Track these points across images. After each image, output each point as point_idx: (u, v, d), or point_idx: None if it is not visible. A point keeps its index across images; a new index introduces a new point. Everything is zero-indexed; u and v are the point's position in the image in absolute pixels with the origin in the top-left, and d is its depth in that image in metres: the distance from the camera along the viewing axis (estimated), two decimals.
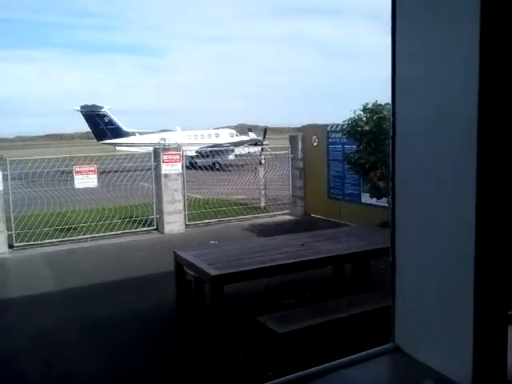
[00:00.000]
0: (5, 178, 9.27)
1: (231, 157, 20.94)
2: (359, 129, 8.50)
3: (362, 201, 10.32)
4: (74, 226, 10.46)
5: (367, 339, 4.36)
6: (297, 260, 5.40)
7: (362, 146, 8.72)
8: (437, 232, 1.04)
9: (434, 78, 1.02)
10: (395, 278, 1.17)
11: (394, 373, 1.14)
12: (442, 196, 1.02)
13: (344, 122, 9.36)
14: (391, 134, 1.13)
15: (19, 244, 9.50)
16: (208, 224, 11.42)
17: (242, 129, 38.13)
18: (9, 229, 9.39)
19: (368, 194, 9.37)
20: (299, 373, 1.06)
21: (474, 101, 0.93)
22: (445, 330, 1.02)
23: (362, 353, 1.15)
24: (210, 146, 23.53)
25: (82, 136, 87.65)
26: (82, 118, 30.29)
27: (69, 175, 10.51)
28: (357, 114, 8.67)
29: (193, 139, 29.01)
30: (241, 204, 12.91)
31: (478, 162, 0.94)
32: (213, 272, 4.96)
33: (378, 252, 5.95)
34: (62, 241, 9.87)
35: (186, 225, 10.96)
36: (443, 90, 1.00)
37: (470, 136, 0.94)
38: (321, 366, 1.08)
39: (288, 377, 1.06)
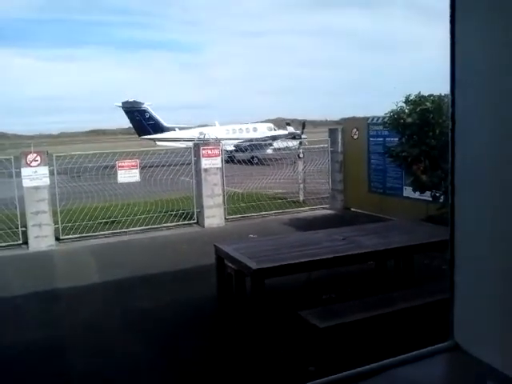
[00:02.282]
0: (51, 173, 9.58)
1: (269, 151, 20.88)
2: (401, 121, 8.30)
3: (404, 194, 10.10)
4: (117, 220, 10.71)
5: (412, 336, 4.28)
6: (338, 255, 5.34)
7: (404, 139, 8.51)
8: (502, 227, 0.99)
9: (496, 65, 0.97)
10: (454, 273, 1.12)
11: (454, 373, 1.09)
12: (504, 188, 0.97)
13: (385, 114, 9.16)
14: (450, 126, 1.08)
15: (65, 237, 9.82)
16: (247, 218, 11.45)
17: (280, 123, 38.04)
18: (55, 222, 9.71)
19: (410, 188, 9.15)
20: (351, 371, 1.03)
21: None
22: (511, 329, 0.97)
23: (418, 351, 1.11)
24: (248, 141, 23.58)
25: (123, 132, 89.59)
26: (124, 114, 30.97)
27: (112, 170, 10.76)
28: (399, 105, 8.47)
29: (231, 133, 29.17)
30: (279, 198, 12.89)
31: None
32: (254, 266, 4.97)
33: (422, 247, 5.83)
34: (106, 234, 10.13)
35: (225, 219, 11.04)
36: (507, 78, 0.95)
37: None
38: (374, 364, 1.05)
39: (341, 374, 1.03)
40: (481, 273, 1.04)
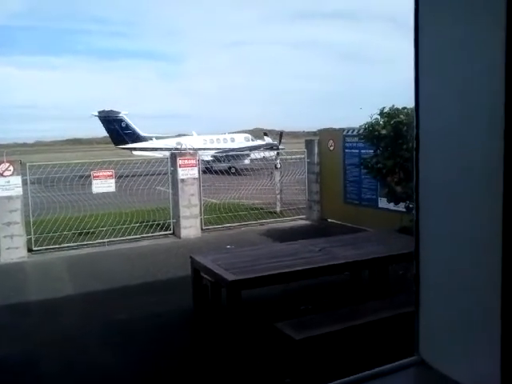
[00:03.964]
0: (24, 183, 9.40)
1: (247, 161, 20.92)
2: (376, 133, 8.44)
3: (379, 205, 10.24)
4: (92, 231, 10.55)
5: (386, 347, 4.31)
6: (315, 266, 5.37)
7: (379, 151, 8.65)
8: (464, 241, 1.02)
9: (458, 87, 1.00)
10: (419, 287, 1.14)
11: None
12: (466, 207, 1.00)
13: (361, 126, 9.30)
14: (415, 146, 1.11)
15: (38, 248, 9.62)
16: (224, 229, 11.42)
17: (258, 133, 38.14)
18: (28, 233, 9.52)
19: (385, 199, 9.28)
20: None
21: (501, 108, 0.91)
22: (474, 343, 0.99)
23: (384, 366, 1.12)
24: (226, 151, 23.58)
25: (99, 141, 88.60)
26: (100, 123, 30.67)
27: (87, 180, 10.62)
28: (374, 118, 8.62)
29: (209, 144, 29.15)
30: (256, 209, 12.91)
31: (506, 171, 0.91)
32: (230, 277, 4.95)
33: (396, 257, 5.90)
34: (80, 245, 9.96)
35: (202, 229, 10.98)
36: (469, 98, 0.98)
37: (499, 145, 0.92)
38: (338, 381, 1.05)
39: None
40: (446, 288, 1.06)
